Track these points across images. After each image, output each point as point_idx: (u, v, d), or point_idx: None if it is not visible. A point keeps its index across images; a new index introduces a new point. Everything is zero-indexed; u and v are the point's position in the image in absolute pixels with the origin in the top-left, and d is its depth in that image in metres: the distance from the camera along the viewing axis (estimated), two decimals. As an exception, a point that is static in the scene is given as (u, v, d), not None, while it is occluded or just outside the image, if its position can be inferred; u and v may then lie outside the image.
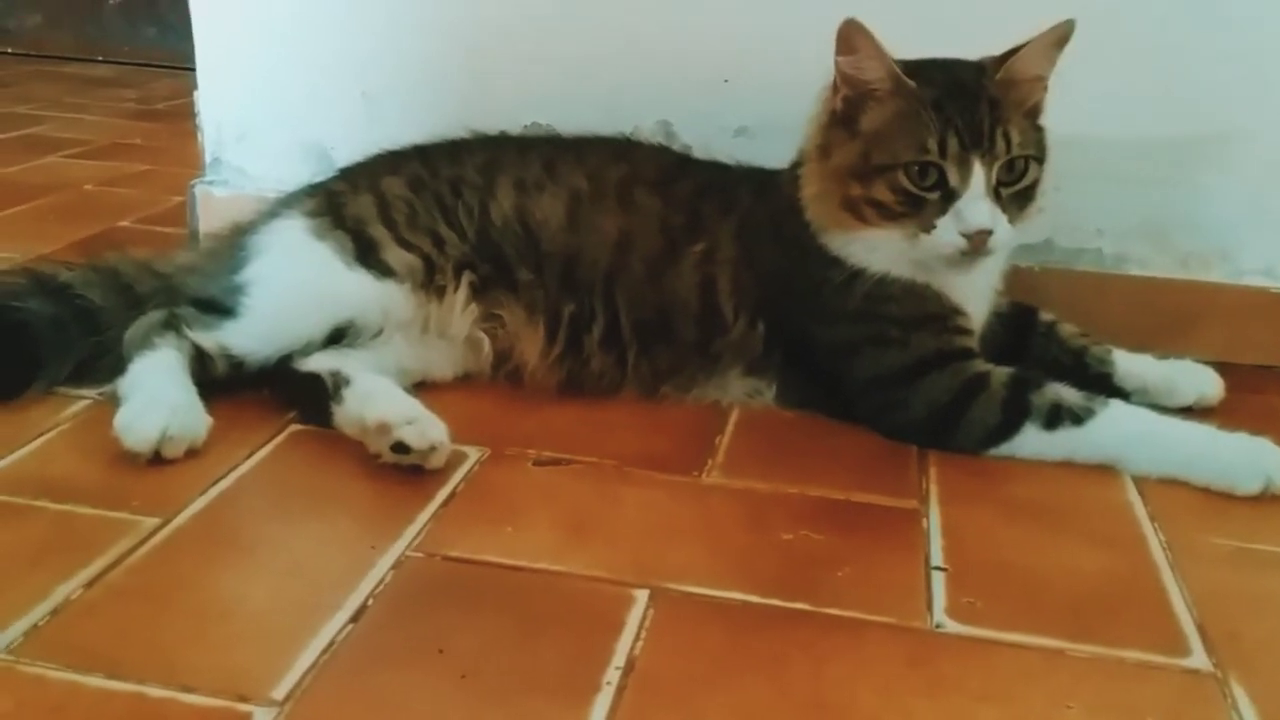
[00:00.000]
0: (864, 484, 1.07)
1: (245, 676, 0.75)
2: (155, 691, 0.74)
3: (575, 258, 1.25)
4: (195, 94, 1.64)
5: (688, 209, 1.27)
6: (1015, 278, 1.41)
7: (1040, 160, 1.14)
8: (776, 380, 1.24)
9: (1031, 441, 1.13)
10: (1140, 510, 1.05)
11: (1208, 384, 1.28)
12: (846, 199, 1.14)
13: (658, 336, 1.24)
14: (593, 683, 0.77)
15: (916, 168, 1.10)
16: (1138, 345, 1.35)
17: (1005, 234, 1.11)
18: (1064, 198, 1.41)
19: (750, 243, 1.24)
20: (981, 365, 1.16)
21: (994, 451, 1.14)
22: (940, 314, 1.17)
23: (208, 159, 1.66)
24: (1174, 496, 1.08)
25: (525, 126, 1.49)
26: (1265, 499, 1.07)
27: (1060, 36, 1.11)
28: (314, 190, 1.31)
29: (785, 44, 1.40)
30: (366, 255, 1.21)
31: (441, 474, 1.04)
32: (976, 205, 1.09)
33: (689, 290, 1.24)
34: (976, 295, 1.21)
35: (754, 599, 0.88)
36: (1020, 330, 1.34)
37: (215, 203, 1.62)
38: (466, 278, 1.23)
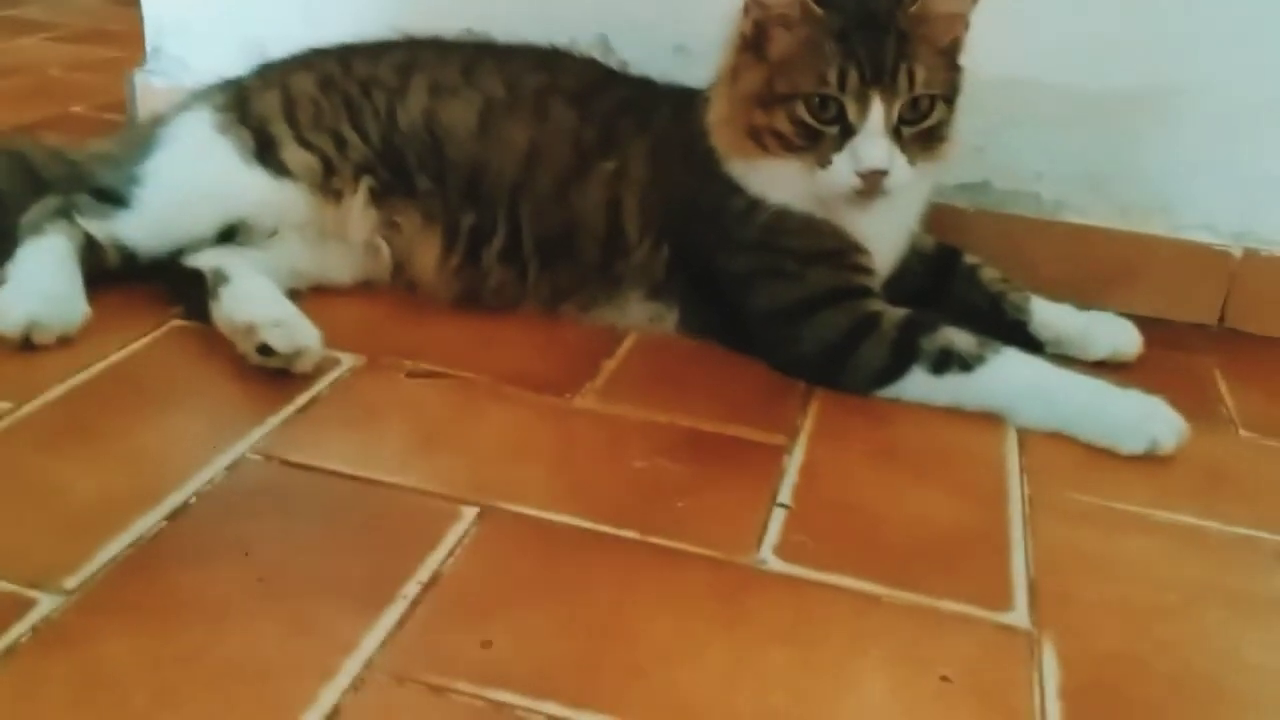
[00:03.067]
0: (738, 417, 1.06)
1: (44, 564, 0.76)
2: (-53, 571, 0.75)
3: (481, 167, 1.22)
4: (141, -20, 1.62)
5: (603, 125, 1.24)
6: (948, 218, 1.38)
7: (950, 100, 1.10)
8: (678, 307, 1.22)
9: (918, 385, 1.10)
10: (1013, 463, 1.03)
11: (1124, 338, 1.24)
12: (750, 127, 1.11)
13: (560, 254, 1.22)
14: (388, 594, 0.77)
15: (816, 99, 1.06)
16: (1071, 295, 1.32)
17: (903, 174, 1.07)
18: (1004, 139, 1.38)
19: (661, 164, 1.21)
20: (875, 305, 1.14)
21: (880, 393, 1.12)
22: (838, 250, 1.14)
23: (148, 49, 1.64)
24: (1054, 451, 1.05)
25: (461, 32, 1.45)
26: (1149, 460, 1.04)
27: None
28: (227, 85, 1.29)
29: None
30: (264, 153, 1.20)
31: (308, 379, 1.04)
32: (872, 143, 1.05)
33: (595, 209, 1.21)
34: (883, 234, 1.18)
35: (583, 524, 0.87)
36: (941, 272, 1.30)
37: (154, 93, 1.61)
38: (366, 182, 1.22)
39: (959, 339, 1.10)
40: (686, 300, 1.21)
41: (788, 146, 1.09)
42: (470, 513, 0.87)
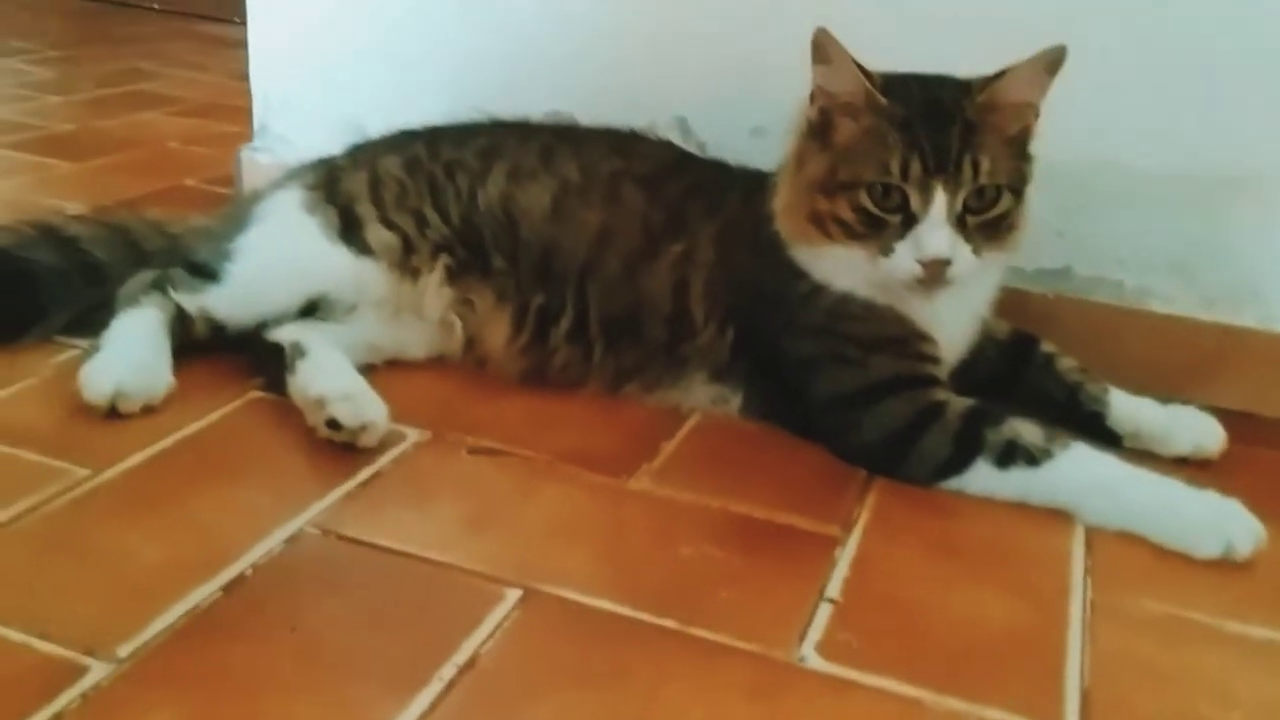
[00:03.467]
0: (793, 505, 1.05)
1: (100, 630, 0.79)
2: (12, 634, 0.78)
3: (553, 248, 1.25)
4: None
5: (673, 208, 1.26)
6: (1027, 304, 1.36)
7: (1017, 190, 1.09)
8: (742, 389, 1.22)
9: (983, 478, 1.08)
10: (1078, 563, 1.00)
11: (1207, 434, 1.20)
12: (813, 212, 1.11)
13: (626, 334, 1.23)
14: (425, 676, 0.78)
15: (879, 188, 1.06)
16: (1154, 386, 1.28)
17: (966, 264, 1.06)
18: (1085, 224, 1.36)
19: (728, 247, 1.22)
20: (940, 394, 1.12)
21: (944, 485, 1.10)
22: (902, 338, 1.13)
23: (255, 126, 1.73)
24: (1124, 552, 1.02)
25: (547, 113, 1.50)
26: (1224, 566, 1.00)
27: (1050, 62, 1.06)
28: (320, 164, 1.35)
29: (805, 44, 1.37)
30: (349, 232, 1.25)
31: (372, 453, 1.07)
32: (935, 233, 1.05)
33: (662, 290, 1.23)
34: (950, 322, 1.16)
35: (625, 611, 0.87)
36: (1017, 359, 1.28)
37: (259, 168, 1.69)
38: (443, 260, 1.26)
39: (1026, 431, 1.08)
40: (750, 384, 1.21)
41: (850, 234, 1.09)
42: (513, 595, 0.88)
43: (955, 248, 1.05)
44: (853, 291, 1.13)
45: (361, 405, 1.08)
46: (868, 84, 1.07)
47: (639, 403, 1.23)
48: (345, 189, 1.28)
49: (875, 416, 1.12)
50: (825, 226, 1.11)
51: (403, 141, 1.36)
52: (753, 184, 1.25)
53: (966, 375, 1.22)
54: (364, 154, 1.35)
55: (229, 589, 0.86)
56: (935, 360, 1.15)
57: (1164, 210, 1.32)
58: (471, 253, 1.26)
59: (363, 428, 1.06)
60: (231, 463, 1.05)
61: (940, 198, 1.04)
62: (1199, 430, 1.20)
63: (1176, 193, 1.31)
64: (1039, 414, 1.21)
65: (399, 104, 1.59)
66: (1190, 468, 1.18)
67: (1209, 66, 1.27)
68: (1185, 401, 1.26)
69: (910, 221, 1.06)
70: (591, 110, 1.42)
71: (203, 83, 2.79)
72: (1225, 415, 1.24)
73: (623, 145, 1.35)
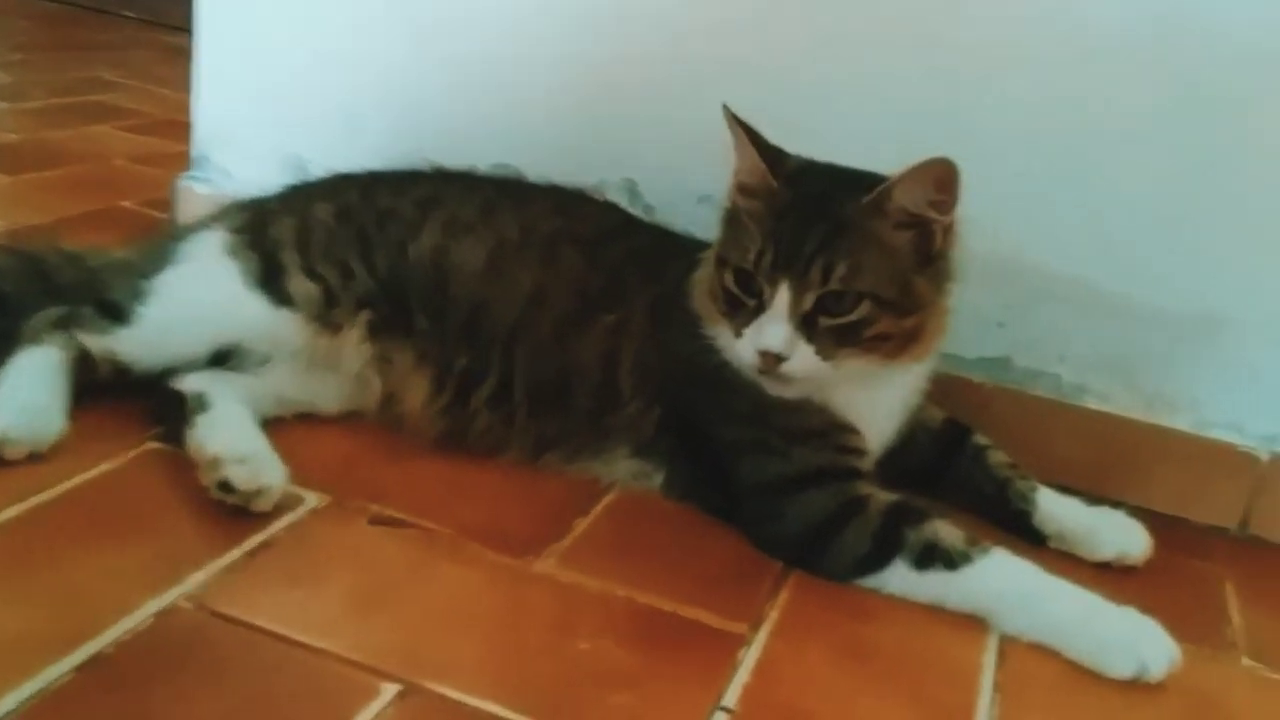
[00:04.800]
0: (702, 598, 1.01)
1: (-63, 711, 0.74)
2: None
3: (482, 307, 1.22)
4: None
5: (611, 274, 1.23)
6: (965, 391, 1.33)
7: (896, 304, 1.04)
8: (665, 467, 1.18)
9: (900, 578, 1.05)
10: (989, 676, 0.97)
11: (1132, 541, 1.18)
12: (710, 287, 1.10)
13: (551, 402, 1.19)
14: (279, 780, 0.74)
15: (741, 272, 1.05)
16: (1086, 483, 1.27)
17: (804, 364, 1.03)
18: (1028, 317, 1.34)
19: (662, 320, 1.19)
20: (863, 488, 1.09)
21: (861, 582, 1.06)
22: (823, 430, 1.10)
23: (194, 155, 1.68)
24: (1036, 666, 0.99)
25: (494, 166, 1.47)
26: (1136, 688, 0.97)
27: (937, 177, 1.00)
28: (250, 205, 1.31)
29: (764, 113, 1.36)
30: (270, 280, 1.20)
31: (265, 519, 1.02)
32: (772, 327, 1.03)
33: (592, 359, 1.19)
34: (873, 413, 1.14)
35: (504, 713, 0.83)
36: (949, 449, 1.26)
37: (196, 199, 1.64)
38: (365, 316, 1.21)
39: (946, 534, 1.05)
40: (673, 462, 1.18)
41: (721, 310, 1.08)
42: (390, 690, 0.83)
43: (792, 346, 1.02)
44: None
45: (258, 468, 1.03)
46: (764, 166, 1.06)
47: (558, 474, 1.19)
48: (272, 234, 1.24)
49: (797, 507, 1.08)
50: (715, 300, 1.09)
51: (339, 186, 1.32)
52: (696, 255, 1.23)
53: (897, 463, 1.20)
54: (297, 198, 1.31)
55: (84, 668, 0.81)
56: (859, 452, 1.12)
57: (1108, 313, 1.30)
58: (395, 309, 1.22)
59: (257, 492, 1.02)
60: (114, 521, 1.00)
61: (783, 294, 1.02)
62: (1124, 536, 1.18)
63: (1119, 299, 1.29)
64: (967, 506, 1.21)
65: (344, 145, 1.56)
66: (1114, 574, 1.16)
67: (1152, 187, 1.26)
68: (1115, 502, 1.24)
69: (759, 310, 1.04)
70: (540, 165, 1.40)
71: (162, 97, 2.73)
72: (1155, 518, 1.23)
73: (567, 205, 1.32)
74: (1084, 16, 1.23)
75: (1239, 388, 1.28)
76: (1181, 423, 1.31)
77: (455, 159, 1.37)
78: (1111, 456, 1.32)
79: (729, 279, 1.07)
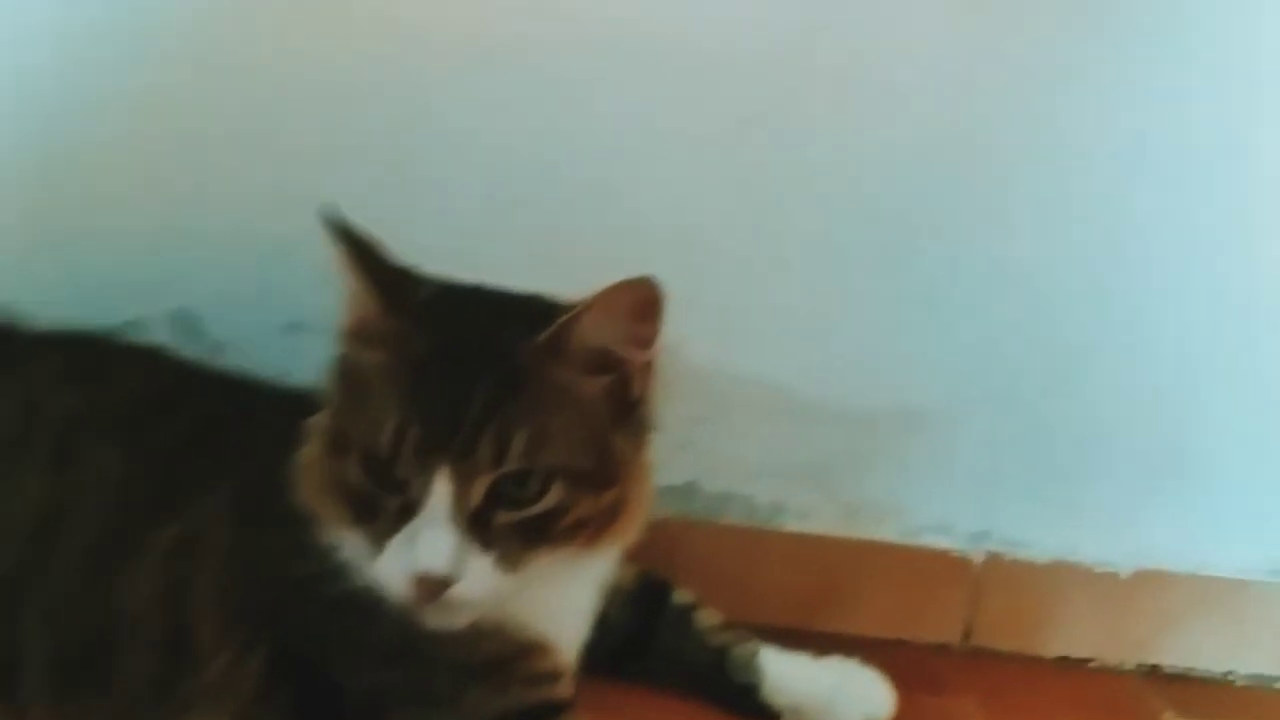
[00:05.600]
0: None
1: None
2: None
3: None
4: None
5: (166, 465, 0.85)
6: (653, 530, 1.09)
7: (587, 476, 0.75)
8: (289, 734, 0.83)
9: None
10: None
11: (876, 702, 0.99)
12: (324, 476, 0.77)
13: (86, 679, 0.80)
14: None
15: (373, 459, 0.73)
16: (794, 618, 1.08)
17: (483, 584, 0.71)
18: (711, 432, 1.13)
19: (253, 520, 0.83)
20: (567, 724, 0.80)
21: None
22: (502, 659, 0.80)
23: None
24: None
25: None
26: None
27: (634, 304, 0.74)
28: None
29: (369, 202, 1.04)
30: None
31: None
32: (430, 538, 0.70)
33: (147, 602, 0.81)
34: (567, 617, 0.85)
35: None
36: (649, 614, 1.01)
37: None
38: None
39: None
40: (302, 722, 0.83)
41: (345, 515, 0.75)
42: None
43: (463, 562, 0.70)
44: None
45: None
46: (378, 294, 0.75)
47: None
48: None
49: (482, 781, 0.78)
50: (334, 497, 0.76)
51: None
52: (293, 415, 0.86)
53: (590, 642, 0.91)
54: None
55: None
56: (557, 676, 0.83)
57: (796, 417, 1.11)
58: None
59: None
60: None
61: (442, 486, 0.70)
62: (867, 698, 0.99)
63: (806, 402, 1.11)
64: (678, 686, 0.97)
65: None
66: (859, 740, 0.97)
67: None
68: (829, 636, 1.06)
69: (409, 512, 0.71)
70: (41, 302, 0.98)
71: None
72: (874, 645, 1.07)
73: (85, 366, 0.92)
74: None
75: (942, 485, 1.14)
76: (889, 533, 1.15)
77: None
78: (818, 582, 1.14)
79: (353, 470, 0.73)
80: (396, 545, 0.71)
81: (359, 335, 0.77)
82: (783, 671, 0.98)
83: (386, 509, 0.72)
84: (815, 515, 1.15)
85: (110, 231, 1.07)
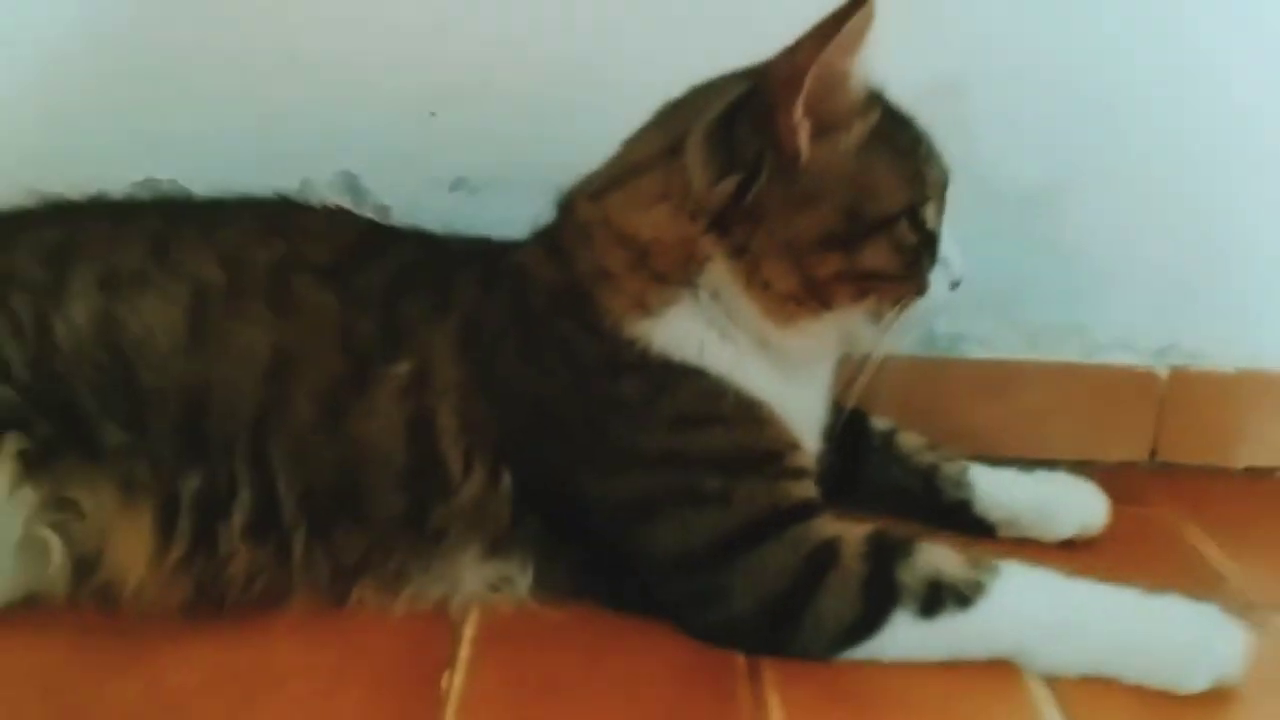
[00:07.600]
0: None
1: None
2: None
3: (202, 396, 0.80)
4: None
5: (381, 308, 0.84)
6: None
7: None
8: (532, 562, 0.82)
9: (904, 636, 0.76)
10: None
11: (1092, 510, 0.98)
12: (807, 284, 0.79)
13: (341, 512, 0.80)
14: None
15: (915, 216, 0.82)
16: (982, 445, 1.05)
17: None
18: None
19: (484, 355, 0.83)
20: (829, 527, 0.80)
21: (852, 654, 0.77)
22: (776, 451, 0.81)
23: None
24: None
25: (134, 184, 1.02)
26: (1217, 697, 0.76)
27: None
28: None
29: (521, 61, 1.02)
30: None
31: None
32: (957, 252, 0.86)
33: (390, 435, 0.81)
34: (809, 410, 0.87)
35: None
36: (848, 446, 0.99)
37: None
38: (13, 444, 0.75)
39: (946, 562, 0.78)
40: (544, 551, 0.82)
41: (879, 286, 0.82)
42: None
43: None
44: (732, 379, 0.80)
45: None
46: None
47: (381, 613, 0.80)
48: None
49: (748, 575, 0.77)
50: (828, 294, 0.80)
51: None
52: (487, 258, 0.88)
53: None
54: None
55: None
56: (809, 475, 0.83)
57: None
58: (60, 424, 0.77)
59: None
60: None
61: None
62: (1083, 506, 0.98)
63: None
64: (887, 509, 0.96)
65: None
66: (1072, 551, 0.95)
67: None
68: (1017, 459, 1.03)
69: (930, 243, 0.83)
70: (212, 177, 0.96)
71: None
72: (1062, 467, 1.04)
73: (277, 221, 0.91)
74: None
75: (1120, 299, 1.12)
76: (1071, 353, 1.13)
77: (74, 185, 0.91)
78: (1003, 409, 1.12)
79: (904, 232, 0.81)
80: (938, 272, 0.84)
81: (832, 118, 0.78)
82: (994, 485, 0.97)
83: (922, 255, 0.82)
84: (996, 341, 1.13)
85: (272, 99, 1.05)
